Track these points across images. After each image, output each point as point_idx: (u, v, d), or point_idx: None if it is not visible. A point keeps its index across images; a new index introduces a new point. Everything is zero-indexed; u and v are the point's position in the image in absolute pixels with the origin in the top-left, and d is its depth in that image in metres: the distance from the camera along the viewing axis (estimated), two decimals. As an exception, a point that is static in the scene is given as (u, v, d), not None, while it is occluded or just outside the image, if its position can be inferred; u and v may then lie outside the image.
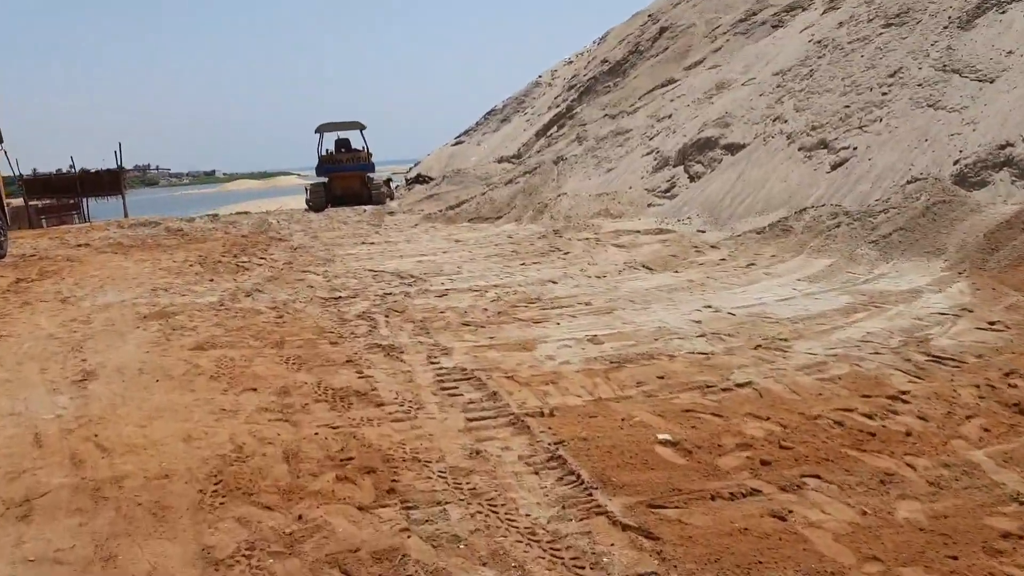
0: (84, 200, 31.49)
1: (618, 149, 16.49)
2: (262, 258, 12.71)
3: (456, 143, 30.56)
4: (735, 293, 7.58)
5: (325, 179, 24.36)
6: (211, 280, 10.51)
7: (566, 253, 11.26)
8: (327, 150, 24.53)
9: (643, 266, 9.69)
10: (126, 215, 30.39)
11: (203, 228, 19.26)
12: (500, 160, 24.77)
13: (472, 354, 5.80)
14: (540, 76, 30.15)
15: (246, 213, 23.95)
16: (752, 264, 9.08)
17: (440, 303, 7.87)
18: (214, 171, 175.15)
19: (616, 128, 17.17)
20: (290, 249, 13.90)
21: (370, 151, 24.23)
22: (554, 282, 8.86)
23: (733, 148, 13.87)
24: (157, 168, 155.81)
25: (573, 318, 6.87)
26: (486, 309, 7.37)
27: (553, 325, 6.64)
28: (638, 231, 12.73)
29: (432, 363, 5.62)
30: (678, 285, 8.17)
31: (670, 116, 16.25)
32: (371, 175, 24.60)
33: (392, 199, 24.62)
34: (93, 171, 30.58)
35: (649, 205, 14.35)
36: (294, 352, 6.08)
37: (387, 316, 7.31)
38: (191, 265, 12.13)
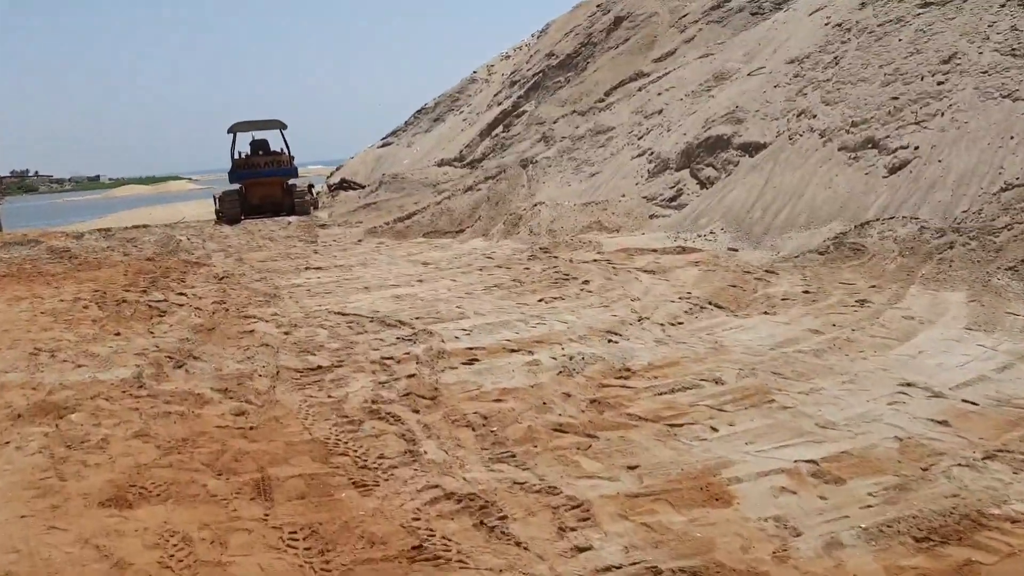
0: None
1: (599, 150, 14.22)
2: (181, 293, 9.81)
3: (383, 144, 27.75)
4: (910, 357, 5.34)
5: (239, 186, 21.23)
6: (117, 333, 7.62)
7: (585, 283, 8.87)
8: (241, 152, 21.37)
9: (711, 304, 7.39)
10: (0, 229, 26.21)
11: (96, 247, 15.94)
12: (441, 163, 22.17)
13: (630, 516, 3.27)
14: (475, 72, 27.65)
15: (145, 227, 20.54)
16: (865, 302, 6.90)
17: (483, 381, 5.32)
18: (99, 176, 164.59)
19: (594, 126, 14.89)
20: (214, 279, 11.00)
21: (292, 154, 21.20)
22: (616, 333, 6.44)
23: (751, 148, 11.78)
24: (36, 174, 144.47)
25: (720, 411, 4.46)
26: (568, 394, 4.87)
27: (706, 430, 4.21)
28: (654, 249, 10.46)
29: (577, 550, 3.08)
30: (814, 342, 5.86)
31: (660, 112, 14.07)
32: (293, 181, 21.58)
33: (316, 208, 21.66)
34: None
35: (652, 216, 12.10)
36: (295, 515, 3.43)
37: (417, 412, 4.72)
38: (85, 307, 9.14)
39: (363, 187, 25.26)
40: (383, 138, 28.21)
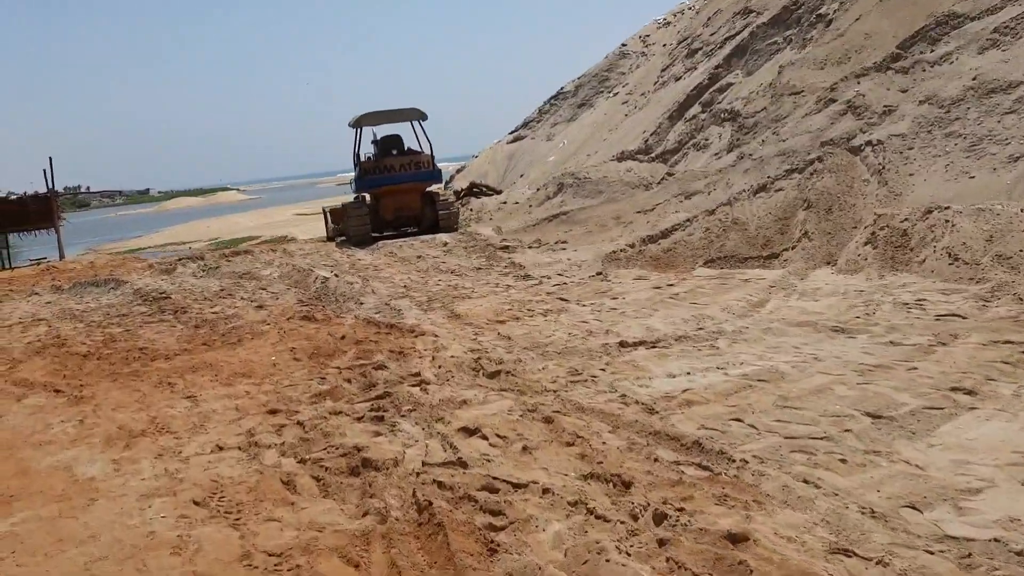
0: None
1: (1008, 118, 8.85)
2: (473, 432, 4.74)
3: (514, 139, 22.68)
4: None
5: (364, 196, 16.27)
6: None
7: None
8: (367, 154, 16.36)
9: None
10: (62, 256, 21.63)
11: (203, 289, 11.04)
12: (621, 158, 16.95)
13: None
14: (624, 45, 22.36)
15: (247, 251, 15.62)
16: None
17: None
18: (148, 189, 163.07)
19: (978, 84, 9.52)
20: (471, 370, 5.93)
21: (432, 152, 16.17)
22: None
23: None
24: (88, 189, 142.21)
25: None
26: None
27: None
28: None
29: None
30: None
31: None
32: (436, 188, 16.58)
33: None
34: (12, 197, 21.77)
35: None
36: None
37: None
38: (289, 481, 4.12)
39: (497, 191, 20.20)
40: (512, 131, 23.10)
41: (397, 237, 15.61)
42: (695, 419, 4.63)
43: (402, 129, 16.79)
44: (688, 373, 5.50)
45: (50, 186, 21.66)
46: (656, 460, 4.06)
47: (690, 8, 21.86)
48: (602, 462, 4.08)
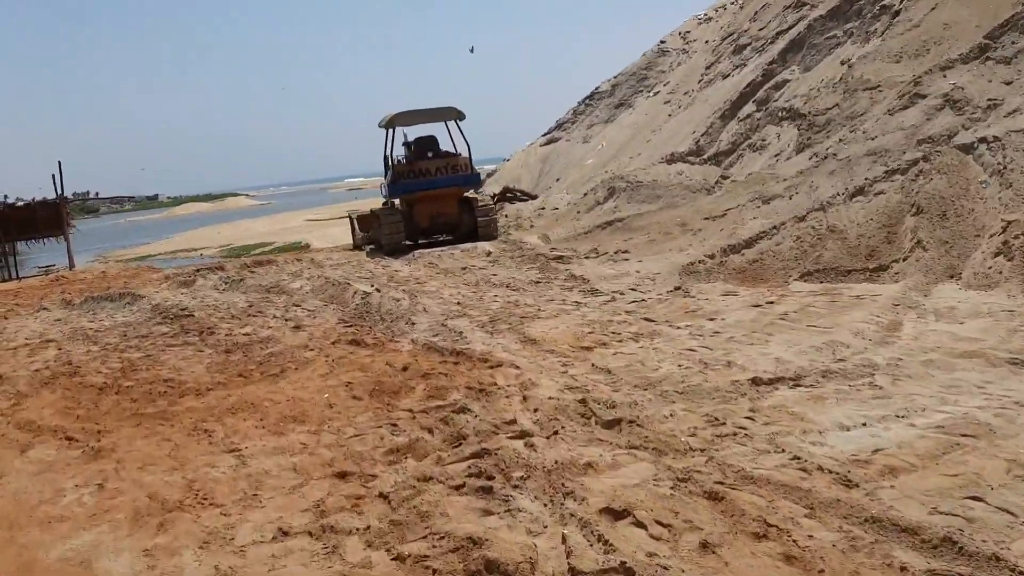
0: (7, 248, 21.73)
1: None
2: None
3: (548, 141, 21.55)
4: None
5: (396, 201, 15.18)
6: None
7: None
8: (399, 158, 15.23)
9: None
10: (72, 264, 20.60)
11: (228, 305, 9.97)
12: (670, 160, 15.82)
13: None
14: (663, 42, 21.23)
15: (270, 261, 14.51)
16: None
17: None
18: (157, 195, 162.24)
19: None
20: (581, 417, 4.79)
21: (471, 154, 15.04)
22: None
23: None
24: (97, 194, 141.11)
25: None
26: None
27: None
28: None
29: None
30: None
31: None
32: (474, 193, 15.47)
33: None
34: (19, 204, 20.77)
35: None
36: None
37: None
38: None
39: (532, 196, 19.07)
40: (545, 133, 21.98)
41: (431, 246, 14.50)
42: (915, 496, 3.48)
43: (436, 130, 15.66)
44: (864, 424, 4.36)
45: (59, 191, 20.64)
46: (904, 569, 2.92)
47: (732, 3, 20.72)
48: (824, 571, 2.94)
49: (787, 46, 16.31)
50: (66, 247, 21.48)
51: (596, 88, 21.66)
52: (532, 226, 15.35)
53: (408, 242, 14.59)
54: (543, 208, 16.47)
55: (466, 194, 15.00)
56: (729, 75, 17.61)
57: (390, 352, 6.94)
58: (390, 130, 15.04)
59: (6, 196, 20.85)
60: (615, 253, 11.13)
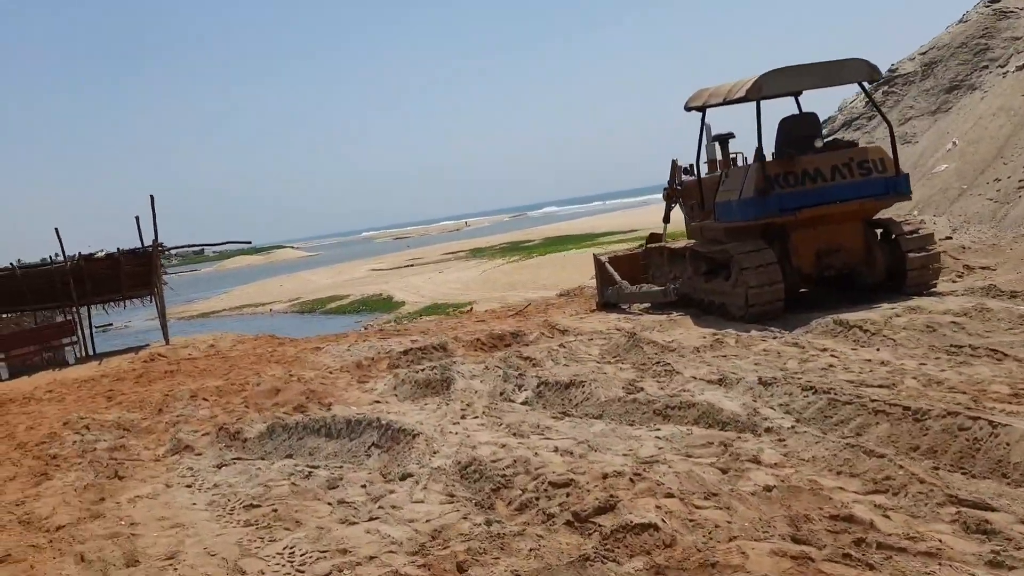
0: (80, 312, 16.99)
1: None
2: None
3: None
4: None
5: (762, 223, 9.05)
6: None
7: None
8: (742, 156, 9.98)
9: None
10: (167, 339, 15.62)
11: (559, 448, 4.78)
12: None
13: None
14: (997, 2, 16.53)
15: (509, 339, 9.33)
16: None
17: None
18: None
19: None
20: None
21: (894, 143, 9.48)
22: None
23: None
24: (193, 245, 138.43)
25: None
26: None
27: None
28: None
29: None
30: None
31: None
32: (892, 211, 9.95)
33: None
34: (99, 255, 16.00)
35: None
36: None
37: None
38: None
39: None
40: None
41: (806, 304, 8.84)
42: None
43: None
44: None
45: (150, 238, 15.87)
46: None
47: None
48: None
49: None
50: (157, 309, 16.65)
51: (891, 69, 16.82)
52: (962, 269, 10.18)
53: (779, 300, 8.63)
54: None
55: (877, 214, 9.26)
56: None
57: None
58: (757, 102, 9.08)
59: (61, 252, 16.05)
60: None
